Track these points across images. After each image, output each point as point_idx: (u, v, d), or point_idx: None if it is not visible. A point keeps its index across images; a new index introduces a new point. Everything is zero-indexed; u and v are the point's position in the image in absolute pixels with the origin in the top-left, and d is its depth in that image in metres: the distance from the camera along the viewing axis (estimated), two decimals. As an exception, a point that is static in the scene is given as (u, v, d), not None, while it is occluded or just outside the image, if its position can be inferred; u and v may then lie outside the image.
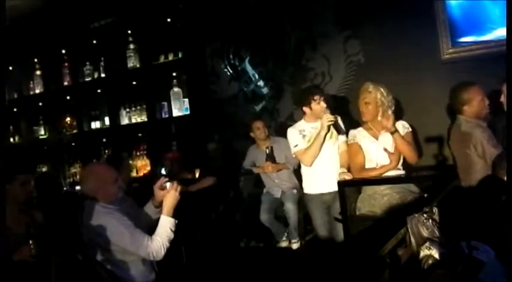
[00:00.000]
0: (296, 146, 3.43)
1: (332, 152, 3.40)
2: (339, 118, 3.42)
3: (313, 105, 3.38)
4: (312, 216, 3.51)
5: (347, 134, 3.38)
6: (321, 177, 3.39)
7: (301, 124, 3.51)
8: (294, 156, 3.57)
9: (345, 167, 3.33)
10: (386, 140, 3.16)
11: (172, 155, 3.82)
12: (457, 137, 3.10)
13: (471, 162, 2.92)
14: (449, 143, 3.24)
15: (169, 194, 2.52)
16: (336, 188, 3.17)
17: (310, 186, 3.49)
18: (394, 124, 3.14)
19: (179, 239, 2.56)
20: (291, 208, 4.06)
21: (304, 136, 3.42)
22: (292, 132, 3.48)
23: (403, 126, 3.24)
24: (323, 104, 3.35)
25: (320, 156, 3.36)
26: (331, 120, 3.23)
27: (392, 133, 3.10)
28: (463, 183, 2.94)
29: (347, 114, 3.92)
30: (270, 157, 4.21)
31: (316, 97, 3.37)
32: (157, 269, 2.67)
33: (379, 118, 3.19)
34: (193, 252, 3.53)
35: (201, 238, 3.91)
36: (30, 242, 2.55)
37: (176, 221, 2.50)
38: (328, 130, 3.29)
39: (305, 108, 3.45)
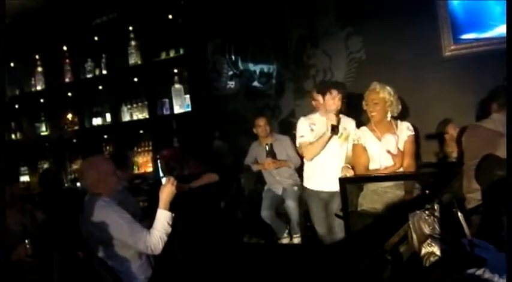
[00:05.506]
0: (302, 136, 3.39)
1: (337, 152, 3.36)
2: (348, 121, 3.41)
3: (327, 96, 3.28)
4: (310, 212, 3.56)
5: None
6: (320, 176, 3.39)
7: (314, 117, 3.45)
8: (298, 145, 3.52)
9: (350, 163, 3.30)
10: (390, 141, 3.15)
11: (167, 152, 3.78)
12: (493, 134, 2.97)
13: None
14: (473, 138, 3.15)
15: (165, 187, 2.53)
16: (333, 189, 3.19)
17: (310, 182, 3.50)
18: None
19: (174, 235, 2.56)
20: (292, 205, 4.07)
21: (312, 130, 3.38)
22: (302, 123, 3.43)
23: (407, 128, 3.21)
24: (333, 103, 3.24)
25: (323, 154, 3.34)
26: (333, 123, 3.20)
27: None
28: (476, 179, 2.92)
29: (347, 111, 3.91)
30: (270, 154, 4.19)
31: (333, 91, 3.27)
32: (154, 265, 2.68)
33: (388, 119, 3.17)
34: (189, 249, 3.53)
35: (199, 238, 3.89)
36: (26, 241, 2.54)
37: (173, 215, 2.52)
38: (335, 133, 3.24)
39: (319, 97, 3.37)
